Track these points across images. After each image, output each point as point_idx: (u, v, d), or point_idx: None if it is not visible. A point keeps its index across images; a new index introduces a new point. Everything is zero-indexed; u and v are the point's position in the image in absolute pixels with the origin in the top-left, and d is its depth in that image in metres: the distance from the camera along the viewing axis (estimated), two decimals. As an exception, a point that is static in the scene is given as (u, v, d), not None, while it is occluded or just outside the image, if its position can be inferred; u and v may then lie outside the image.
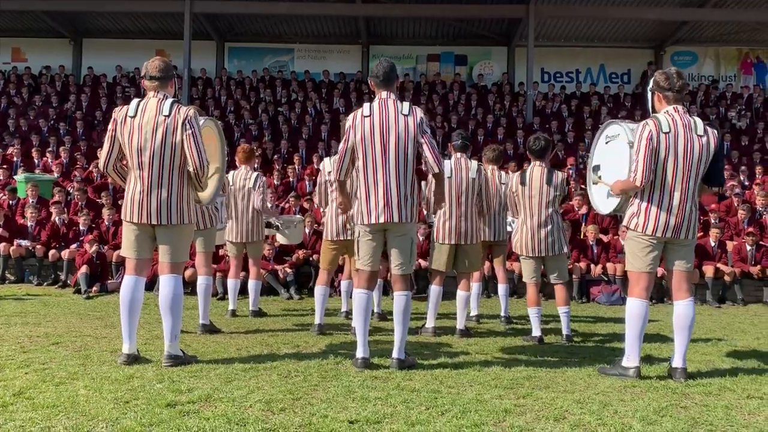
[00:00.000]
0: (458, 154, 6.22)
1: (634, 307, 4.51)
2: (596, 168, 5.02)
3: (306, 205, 11.40)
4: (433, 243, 6.24)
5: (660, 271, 4.81)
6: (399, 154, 4.57)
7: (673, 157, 4.38)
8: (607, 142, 4.95)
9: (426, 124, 4.67)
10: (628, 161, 4.55)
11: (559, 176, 6.08)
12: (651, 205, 4.44)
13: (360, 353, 4.55)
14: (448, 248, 6.12)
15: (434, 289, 6.25)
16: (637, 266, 4.54)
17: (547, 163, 6.20)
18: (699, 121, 4.49)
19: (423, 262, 9.00)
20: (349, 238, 6.02)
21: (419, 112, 4.64)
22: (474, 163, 6.21)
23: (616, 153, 4.77)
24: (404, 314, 4.64)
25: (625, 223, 4.61)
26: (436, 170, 4.67)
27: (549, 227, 5.98)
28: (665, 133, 4.37)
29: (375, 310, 6.93)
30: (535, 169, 6.06)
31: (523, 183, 6.05)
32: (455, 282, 6.36)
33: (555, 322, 6.20)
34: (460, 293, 6.21)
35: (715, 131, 4.54)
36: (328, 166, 6.27)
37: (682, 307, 4.50)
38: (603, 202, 5.06)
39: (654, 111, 4.60)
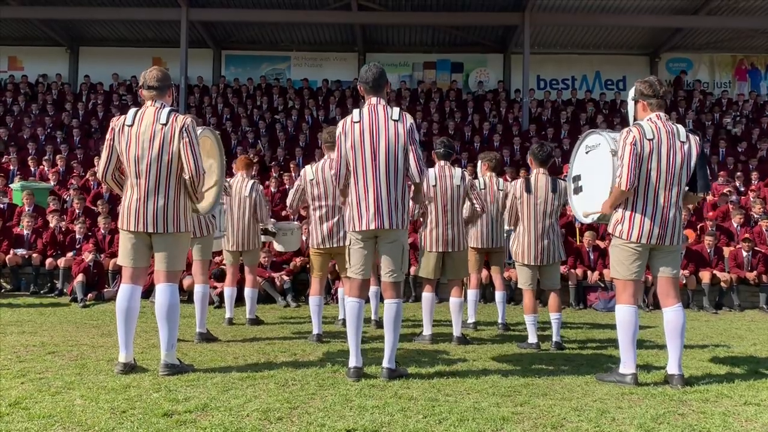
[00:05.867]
0: (442, 162, 6.22)
1: (624, 314, 4.53)
2: (576, 178, 5.03)
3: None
4: (421, 251, 6.24)
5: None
6: (389, 159, 4.52)
7: (656, 163, 4.41)
8: (587, 152, 4.95)
9: (415, 132, 4.62)
10: (611, 170, 4.55)
11: (561, 184, 5.99)
12: (635, 212, 4.46)
13: (353, 362, 4.49)
14: (435, 256, 6.12)
15: (426, 296, 6.24)
16: (622, 274, 4.56)
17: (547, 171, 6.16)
18: (681, 127, 4.53)
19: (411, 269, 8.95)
20: (334, 246, 6.02)
21: (409, 119, 4.60)
22: (458, 171, 6.20)
23: (598, 163, 4.78)
24: (395, 322, 4.58)
25: (610, 230, 4.63)
26: (417, 180, 4.63)
27: (551, 236, 5.97)
28: (649, 139, 4.40)
29: (372, 318, 6.92)
30: (540, 177, 6.01)
31: (528, 190, 5.97)
32: (448, 288, 6.35)
33: (549, 329, 6.20)
34: (453, 300, 6.20)
35: (697, 137, 4.56)
36: (309, 173, 6.26)
37: (671, 313, 4.52)
38: (584, 213, 5.05)
39: (636, 120, 4.61)
